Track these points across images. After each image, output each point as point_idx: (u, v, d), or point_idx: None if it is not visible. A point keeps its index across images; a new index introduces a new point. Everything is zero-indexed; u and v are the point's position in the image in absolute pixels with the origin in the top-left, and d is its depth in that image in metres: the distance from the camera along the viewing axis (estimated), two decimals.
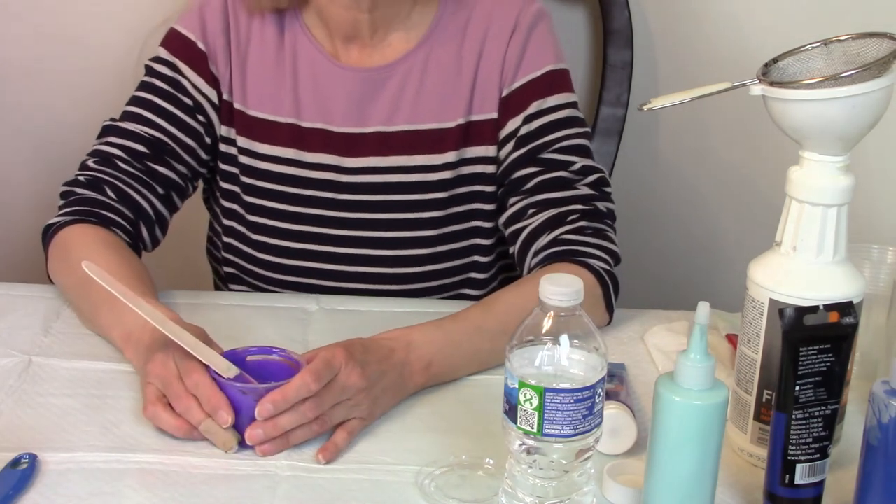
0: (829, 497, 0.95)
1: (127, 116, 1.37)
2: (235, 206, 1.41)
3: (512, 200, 1.35)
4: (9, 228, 1.93)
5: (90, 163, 1.35)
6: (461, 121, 1.36)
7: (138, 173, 1.34)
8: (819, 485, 0.93)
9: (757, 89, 1.00)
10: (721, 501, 0.96)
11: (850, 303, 0.93)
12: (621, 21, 1.68)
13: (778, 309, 0.92)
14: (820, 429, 0.92)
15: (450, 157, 1.36)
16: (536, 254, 1.29)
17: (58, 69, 1.82)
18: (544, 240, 1.29)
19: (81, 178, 1.34)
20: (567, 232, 1.28)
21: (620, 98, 1.68)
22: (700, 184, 1.83)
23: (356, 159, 1.36)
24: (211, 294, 1.41)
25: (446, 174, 1.37)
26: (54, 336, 1.23)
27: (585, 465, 0.91)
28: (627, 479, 0.97)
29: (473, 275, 1.43)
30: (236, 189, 1.40)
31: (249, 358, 1.07)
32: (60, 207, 1.32)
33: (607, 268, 1.26)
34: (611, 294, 1.26)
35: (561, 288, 0.88)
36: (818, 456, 0.92)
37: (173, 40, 1.38)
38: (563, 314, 0.88)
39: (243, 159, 1.38)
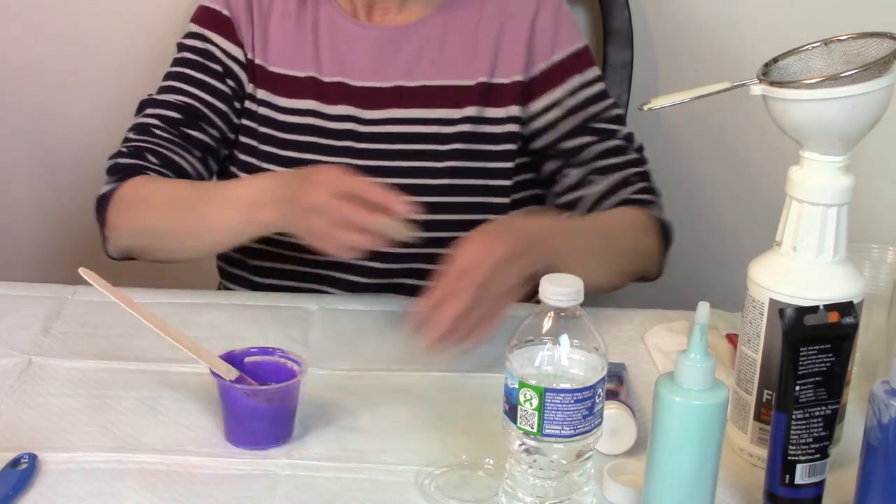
0: (829, 497, 0.95)
1: (161, 90, 1.42)
2: (253, 160, 1.42)
3: (568, 171, 1.42)
4: (9, 228, 1.93)
5: (130, 135, 1.40)
6: (483, 79, 1.40)
7: (175, 138, 1.39)
8: (819, 485, 0.93)
9: (757, 89, 1.00)
10: (721, 501, 0.96)
11: (850, 303, 0.93)
12: (621, 21, 1.68)
13: (778, 309, 0.92)
14: (820, 429, 0.92)
15: (469, 111, 1.40)
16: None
17: (58, 69, 1.82)
18: (612, 201, 1.38)
19: (124, 149, 1.38)
20: (633, 192, 1.39)
21: (620, 98, 1.68)
22: (700, 184, 1.83)
23: (375, 111, 1.40)
24: (211, 294, 1.41)
25: (465, 127, 1.40)
26: (54, 336, 1.23)
27: (585, 465, 0.91)
28: (627, 479, 0.97)
29: None
30: (254, 143, 1.43)
31: (247, 359, 1.07)
32: (107, 182, 1.36)
33: (666, 220, 1.38)
34: (666, 251, 1.38)
35: (561, 288, 0.88)
36: (818, 456, 0.92)
37: (201, 14, 1.44)
38: (563, 314, 0.88)
39: (262, 111, 1.42)
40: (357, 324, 1.29)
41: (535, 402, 0.87)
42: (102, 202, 1.34)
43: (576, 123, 1.41)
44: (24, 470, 0.97)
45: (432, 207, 1.39)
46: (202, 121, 1.40)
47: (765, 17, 1.70)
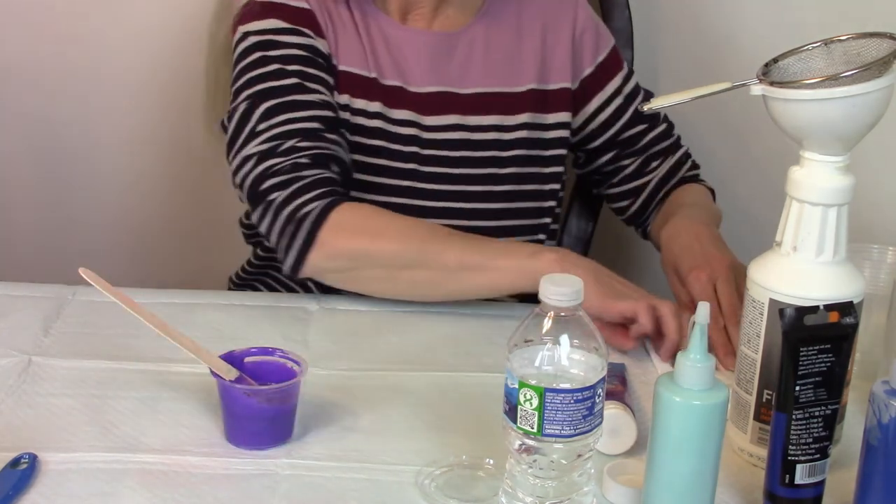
0: (829, 497, 0.95)
1: (287, 91, 1.31)
2: None
3: (624, 161, 1.50)
4: (9, 228, 1.93)
5: (299, 143, 1.28)
6: (533, 86, 1.43)
7: (340, 139, 1.33)
8: (819, 485, 0.93)
9: (757, 89, 1.00)
10: (721, 501, 0.96)
11: (850, 303, 0.93)
12: (621, 21, 1.68)
13: (778, 309, 0.92)
14: (820, 429, 0.92)
15: (524, 118, 1.43)
16: (667, 193, 1.48)
17: (58, 69, 1.82)
18: (673, 183, 1.49)
19: (303, 159, 1.27)
20: (689, 170, 1.51)
21: None
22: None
23: (435, 117, 1.40)
24: (211, 294, 1.41)
25: (522, 133, 1.43)
26: (54, 336, 1.23)
27: (585, 465, 0.91)
28: (627, 479, 0.97)
29: (541, 236, 1.49)
30: None
31: (247, 359, 1.07)
32: (296, 193, 1.25)
33: (715, 194, 1.50)
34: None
35: (561, 288, 0.88)
36: (818, 456, 0.92)
37: (276, 9, 1.34)
38: (563, 314, 0.88)
39: (342, 115, 1.36)
40: (357, 324, 1.29)
41: (535, 402, 0.87)
42: (305, 220, 1.24)
43: (632, 113, 1.49)
44: (24, 470, 0.96)
45: (495, 214, 1.43)
46: (337, 121, 1.34)
47: (765, 17, 1.69)
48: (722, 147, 1.79)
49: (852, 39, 1.01)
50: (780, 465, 0.92)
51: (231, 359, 1.05)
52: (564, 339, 0.89)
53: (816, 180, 0.98)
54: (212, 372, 1.03)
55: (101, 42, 1.81)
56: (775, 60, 1.02)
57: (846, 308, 0.92)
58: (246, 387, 1.03)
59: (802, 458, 0.92)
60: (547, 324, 0.89)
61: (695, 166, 1.54)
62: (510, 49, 1.43)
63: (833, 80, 0.95)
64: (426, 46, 1.40)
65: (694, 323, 0.88)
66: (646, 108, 1.07)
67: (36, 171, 1.89)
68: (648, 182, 1.50)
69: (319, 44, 1.35)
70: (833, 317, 0.91)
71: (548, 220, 1.49)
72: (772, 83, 0.99)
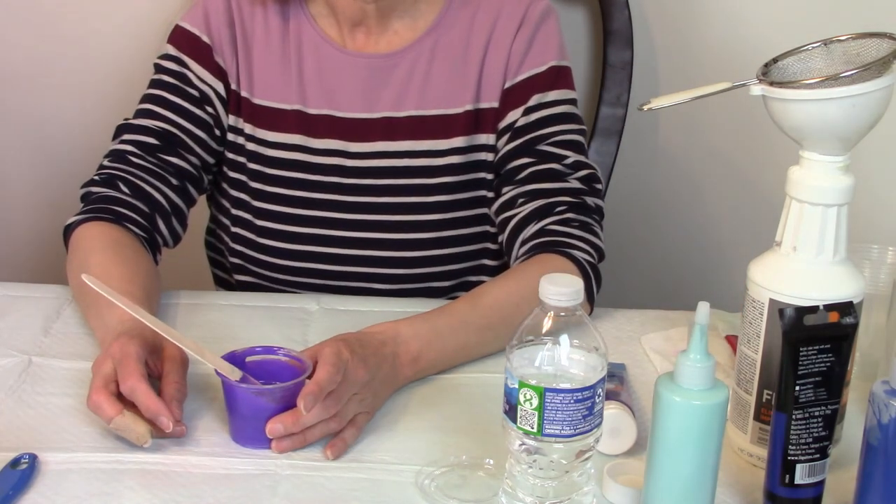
0: (829, 497, 0.95)
1: (138, 114, 1.39)
2: (243, 195, 1.42)
3: (504, 190, 1.36)
4: (9, 228, 1.93)
5: (105, 162, 1.37)
6: (469, 107, 1.38)
7: (151, 166, 1.35)
8: (819, 485, 0.93)
9: (757, 89, 1.00)
10: (721, 501, 0.96)
11: (850, 303, 0.93)
12: (621, 21, 1.68)
13: (778, 309, 0.92)
14: (820, 429, 0.92)
15: (458, 142, 1.38)
16: (523, 243, 1.31)
17: (58, 70, 1.82)
18: (531, 229, 1.31)
19: (97, 177, 1.35)
20: (554, 223, 1.30)
21: (620, 98, 1.69)
22: (700, 184, 1.83)
23: (363, 144, 1.38)
24: (211, 294, 1.41)
25: (454, 159, 1.38)
26: (54, 336, 1.23)
27: (585, 465, 0.91)
28: (627, 479, 0.97)
29: (485, 261, 1.45)
30: (244, 178, 1.41)
31: (249, 359, 1.07)
32: (80, 210, 1.33)
33: (591, 260, 1.28)
34: (593, 286, 1.28)
35: (561, 288, 0.88)
36: (818, 456, 0.92)
37: (178, 36, 1.40)
38: (563, 314, 0.88)
39: (250, 146, 1.40)
40: (357, 324, 1.29)
41: (535, 402, 0.87)
42: (67, 233, 1.31)
43: (520, 143, 1.35)
44: (24, 470, 0.97)
45: (424, 244, 1.39)
46: (181, 147, 1.37)
47: (764, 17, 1.70)
48: (722, 147, 1.80)
49: (852, 39, 1.01)
50: (780, 465, 0.92)
51: (232, 359, 1.05)
52: (564, 338, 0.89)
53: (816, 180, 0.98)
54: (217, 372, 1.03)
55: (102, 43, 1.81)
56: (775, 60, 1.02)
57: (846, 308, 0.92)
58: (255, 387, 1.03)
59: (802, 458, 0.92)
60: (547, 324, 0.89)
61: (572, 222, 1.30)
62: (455, 66, 1.37)
63: (833, 80, 0.95)
64: (362, 71, 1.37)
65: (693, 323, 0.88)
66: (646, 108, 1.07)
67: (36, 171, 1.89)
68: (510, 219, 1.34)
69: (200, 76, 1.38)
70: (833, 317, 0.92)
71: (491, 245, 1.43)
72: (771, 83, 0.99)
